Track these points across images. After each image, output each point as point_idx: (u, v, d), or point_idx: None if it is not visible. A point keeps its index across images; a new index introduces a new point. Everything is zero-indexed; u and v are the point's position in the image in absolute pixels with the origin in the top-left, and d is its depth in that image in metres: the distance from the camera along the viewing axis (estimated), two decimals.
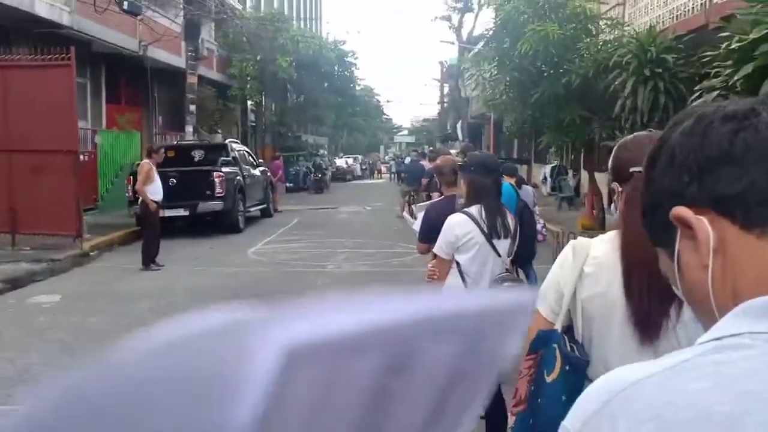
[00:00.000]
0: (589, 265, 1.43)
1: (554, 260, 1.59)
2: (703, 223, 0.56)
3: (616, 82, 8.26)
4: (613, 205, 1.51)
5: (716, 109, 0.59)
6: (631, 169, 1.36)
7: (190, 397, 0.22)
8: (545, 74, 10.17)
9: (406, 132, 69.60)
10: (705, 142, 0.57)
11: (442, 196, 3.72)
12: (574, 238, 1.72)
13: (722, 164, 0.56)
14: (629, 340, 1.38)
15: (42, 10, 10.86)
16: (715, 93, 5.59)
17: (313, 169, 24.32)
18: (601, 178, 11.01)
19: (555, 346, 1.46)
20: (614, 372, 0.53)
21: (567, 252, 1.48)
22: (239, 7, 22.38)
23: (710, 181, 0.56)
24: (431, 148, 28.69)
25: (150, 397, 0.23)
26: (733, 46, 5.45)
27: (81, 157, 9.73)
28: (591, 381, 1.44)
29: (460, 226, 2.87)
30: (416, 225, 3.63)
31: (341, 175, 32.33)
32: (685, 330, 1.34)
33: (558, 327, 1.48)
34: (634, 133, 1.53)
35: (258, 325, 0.22)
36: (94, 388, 0.23)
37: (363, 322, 0.24)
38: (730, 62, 5.53)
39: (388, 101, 76.82)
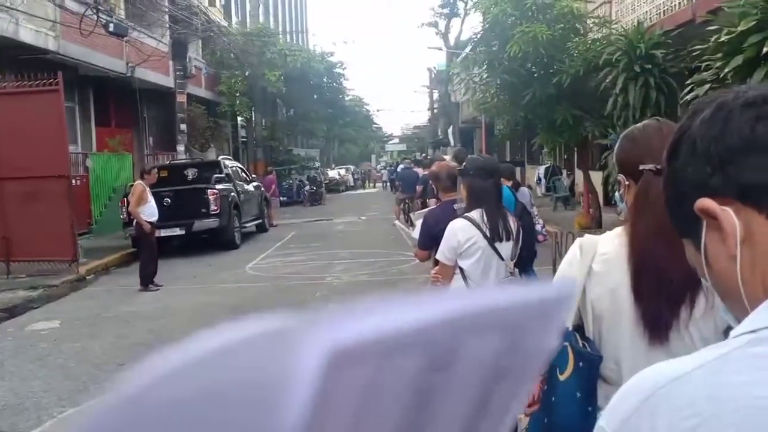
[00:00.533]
0: (597, 263, 1.42)
1: (554, 261, 1.59)
2: (728, 214, 0.55)
3: (607, 80, 8.33)
4: (618, 195, 1.49)
5: (735, 95, 0.58)
6: (641, 167, 1.32)
7: (240, 405, 0.22)
8: (535, 75, 10.24)
9: (397, 140, 69.67)
10: (726, 130, 0.56)
11: (440, 203, 3.73)
12: (573, 237, 1.71)
13: (745, 153, 0.55)
14: (639, 339, 1.37)
15: (27, 36, 10.88)
16: (707, 86, 5.65)
17: (307, 182, 24.39)
18: (596, 177, 11.07)
19: (567, 344, 1.46)
20: (651, 369, 0.53)
21: (574, 250, 1.46)
22: (225, 23, 22.46)
23: (733, 170, 0.55)
24: (424, 154, 28.72)
25: (202, 407, 0.23)
26: (722, 39, 5.51)
27: (73, 181, 9.71)
28: (603, 378, 1.45)
29: (462, 232, 2.86)
30: (415, 232, 3.63)
31: (334, 186, 32.52)
32: (697, 328, 1.34)
33: (569, 325, 1.48)
34: (643, 122, 1.47)
35: (300, 329, 0.22)
36: (147, 401, 0.23)
37: (403, 321, 0.24)
38: (719, 55, 5.59)
39: (378, 110, 76.93)
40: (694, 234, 0.60)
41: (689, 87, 6.15)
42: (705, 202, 0.56)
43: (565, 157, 15.76)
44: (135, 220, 8.19)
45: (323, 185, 25.93)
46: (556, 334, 0.30)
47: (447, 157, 6.55)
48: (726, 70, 5.34)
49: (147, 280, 8.04)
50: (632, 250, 1.36)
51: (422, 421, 0.27)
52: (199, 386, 0.23)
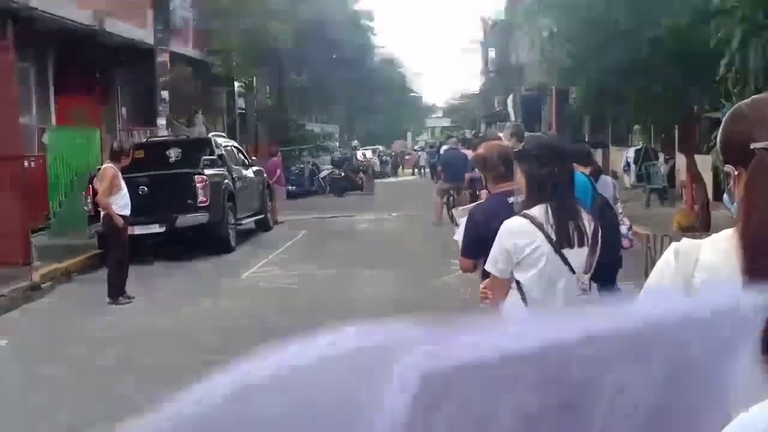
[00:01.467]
0: (698, 273, 1.40)
1: (645, 274, 1.57)
2: None
3: (719, 34, 8.15)
4: (726, 195, 1.48)
5: None
6: (752, 146, 1.35)
7: (326, 425, 0.25)
8: (624, 28, 10.09)
9: (440, 113, 69.83)
10: None
11: (490, 195, 3.71)
12: (670, 242, 1.70)
13: None
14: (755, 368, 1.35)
15: None
16: None
17: (331, 166, 24.68)
18: (704, 163, 10.87)
19: None
20: (763, 407, 0.52)
21: (668, 257, 1.45)
22: None
23: None
24: (475, 131, 28.60)
25: (287, 424, 0.26)
26: None
27: (26, 163, 9.96)
28: None
29: (520, 234, 2.86)
30: (458, 234, 3.62)
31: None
32: None
33: None
34: (752, 97, 1.50)
35: (389, 351, 0.24)
36: (229, 414, 0.26)
37: (514, 344, 0.25)
38: None
39: (416, 74, 76.90)
40: None
41: None
42: None
43: (663, 136, 15.50)
44: (104, 213, 8.33)
45: (360, 169, 25.93)
46: (741, 361, 0.29)
47: (502, 135, 6.49)
48: None
49: (117, 291, 8.20)
50: (745, 249, 1.33)
51: None
52: (284, 403, 0.25)
